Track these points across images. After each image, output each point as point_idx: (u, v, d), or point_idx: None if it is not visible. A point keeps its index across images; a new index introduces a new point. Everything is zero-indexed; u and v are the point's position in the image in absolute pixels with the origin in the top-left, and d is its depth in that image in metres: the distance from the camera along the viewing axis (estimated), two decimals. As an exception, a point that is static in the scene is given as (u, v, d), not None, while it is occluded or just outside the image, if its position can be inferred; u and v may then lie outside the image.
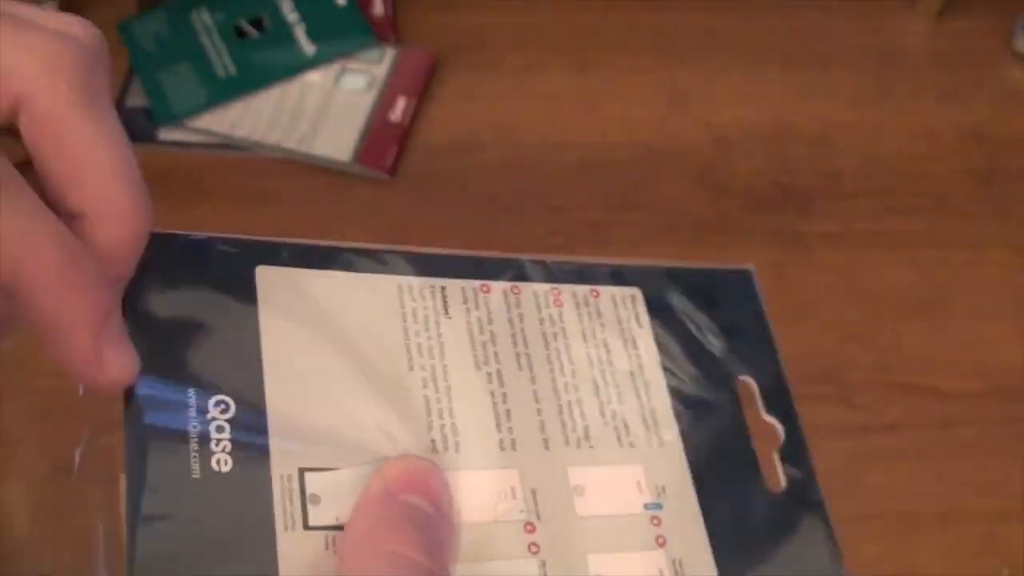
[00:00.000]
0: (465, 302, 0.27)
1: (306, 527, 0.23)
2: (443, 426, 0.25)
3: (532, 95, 0.67)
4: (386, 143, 0.63)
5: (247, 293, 0.25)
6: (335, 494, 0.23)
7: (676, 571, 0.25)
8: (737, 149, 0.65)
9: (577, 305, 0.28)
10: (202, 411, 0.24)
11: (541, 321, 0.27)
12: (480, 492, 0.25)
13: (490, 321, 0.27)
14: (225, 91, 0.65)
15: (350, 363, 0.25)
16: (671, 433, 0.27)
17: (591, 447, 0.26)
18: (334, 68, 0.66)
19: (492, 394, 0.26)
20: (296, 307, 0.26)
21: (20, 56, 0.22)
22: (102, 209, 0.23)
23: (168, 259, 0.25)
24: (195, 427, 0.24)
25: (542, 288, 0.28)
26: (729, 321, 0.29)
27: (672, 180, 0.64)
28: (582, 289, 0.28)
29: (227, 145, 0.63)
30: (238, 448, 0.23)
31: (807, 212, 0.63)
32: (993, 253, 0.61)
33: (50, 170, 0.22)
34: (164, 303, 0.24)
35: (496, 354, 0.27)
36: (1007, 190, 0.64)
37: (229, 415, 0.24)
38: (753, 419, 0.27)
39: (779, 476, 0.27)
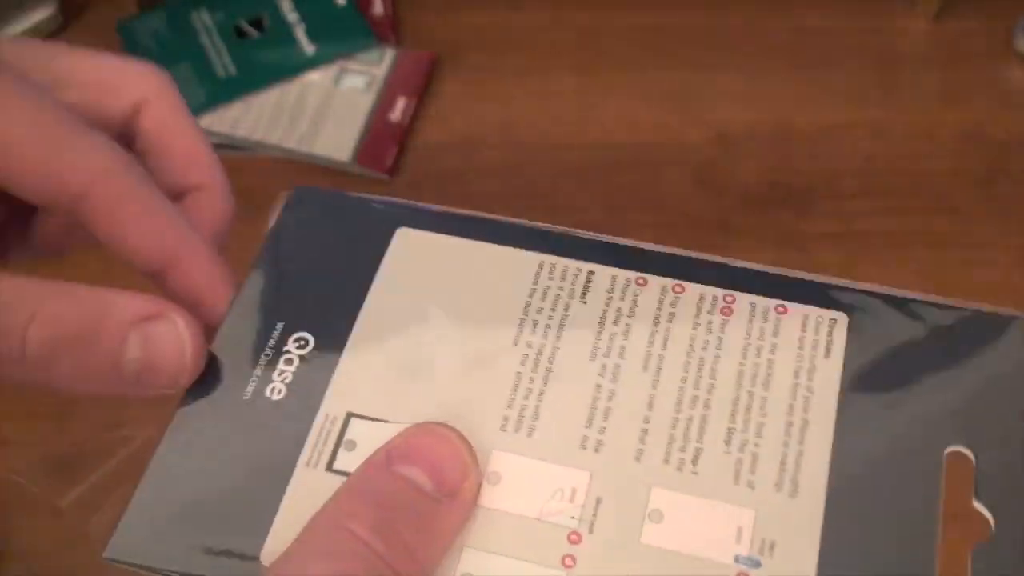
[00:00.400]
0: (610, 291, 0.25)
1: (328, 468, 0.23)
2: (524, 407, 0.23)
3: (532, 95, 0.67)
4: (386, 143, 0.63)
5: (378, 249, 0.26)
6: (373, 446, 0.23)
7: None
8: (737, 149, 0.65)
9: (751, 318, 0.24)
10: (281, 343, 0.25)
11: (696, 326, 0.24)
12: (536, 485, 0.22)
13: (632, 315, 0.24)
14: (225, 91, 0.65)
15: (451, 327, 0.25)
16: (814, 487, 0.22)
17: (695, 473, 0.22)
18: (334, 68, 0.66)
19: (598, 387, 0.24)
20: (421, 269, 0.26)
21: (140, 72, 0.30)
22: (210, 185, 0.29)
23: (319, 208, 0.27)
24: (267, 355, 0.25)
25: (712, 292, 0.25)
26: (962, 376, 0.23)
27: (672, 180, 0.64)
28: (766, 302, 0.25)
29: (227, 145, 0.63)
30: (298, 381, 0.24)
31: (807, 212, 0.63)
32: (993, 253, 0.61)
33: (164, 160, 0.29)
34: (297, 245, 0.26)
35: (623, 348, 0.24)
36: (1007, 190, 0.64)
37: (305, 351, 0.24)
38: (953, 503, 0.22)
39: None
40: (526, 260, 0.26)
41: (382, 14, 0.69)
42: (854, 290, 0.25)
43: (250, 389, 0.24)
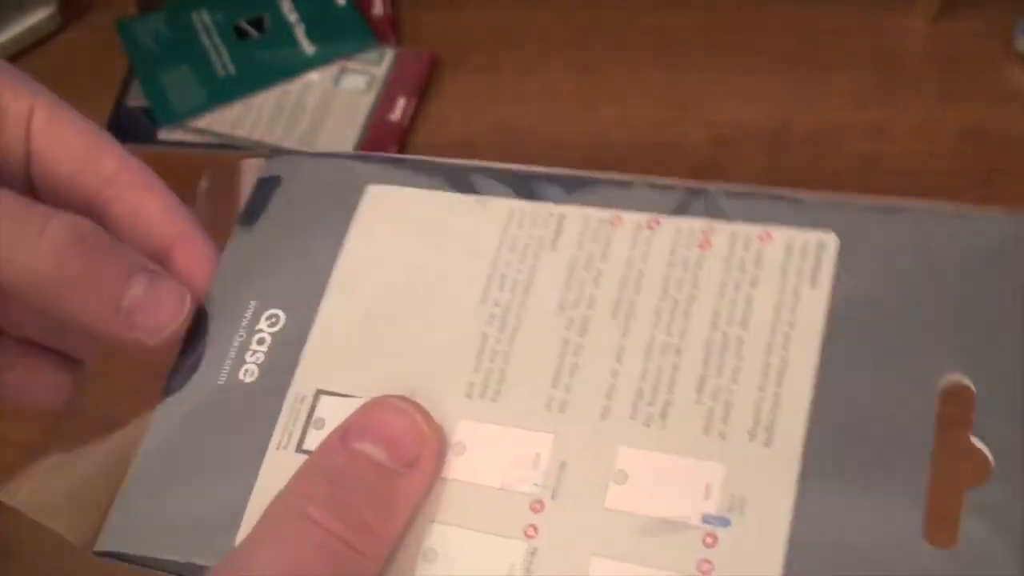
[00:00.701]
0: (582, 233, 0.23)
1: (299, 449, 0.23)
2: (490, 370, 0.22)
3: (532, 95, 0.67)
4: (386, 143, 0.63)
5: (347, 212, 0.25)
6: (340, 421, 0.22)
7: None
8: (737, 149, 0.65)
9: (731, 250, 0.22)
10: (254, 322, 0.24)
11: (671, 264, 0.22)
12: (500, 452, 0.21)
13: (604, 258, 0.23)
14: (225, 91, 0.65)
15: (419, 292, 0.23)
16: (791, 435, 0.20)
17: (663, 428, 0.20)
18: (334, 68, 0.66)
19: (565, 343, 0.22)
20: (390, 231, 0.25)
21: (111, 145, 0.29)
22: (191, 232, 0.28)
23: (288, 175, 0.26)
24: (240, 336, 0.24)
25: (690, 224, 0.23)
26: (964, 295, 0.20)
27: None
28: (748, 230, 0.22)
29: (227, 145, 0.63)
30: (270, 361, 0.24)
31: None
32: (993, 253, 0.61)
33: (136, 225, 0.28)
34: (267, 218, 0.25)
35: (592, 298, 0.22)
36: (1007, 190, 0.64)
37: (276, 328, 0.24)
38: (949, 439, 0.20)
39: (957, 529, 0.18)
40: (496, 209, 0.24)
41: (382, 14, 0.69)
42: (847, 206, 0.22)
43: (224, 374, 0.24)
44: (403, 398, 0.22)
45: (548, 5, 0.71)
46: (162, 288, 0.25)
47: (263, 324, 0.24)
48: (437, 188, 0.25)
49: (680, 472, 0.20)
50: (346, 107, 0.64)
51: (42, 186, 0.28)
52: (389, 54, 0.67)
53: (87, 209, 0.28)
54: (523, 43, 0.69)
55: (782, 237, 0.22)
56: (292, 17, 0.68)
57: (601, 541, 0.20)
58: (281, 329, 0.24)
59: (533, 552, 0.20)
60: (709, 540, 0.19)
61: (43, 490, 0.26)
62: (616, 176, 0.25)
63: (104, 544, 0.24)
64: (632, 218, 0.23)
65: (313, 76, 0.66)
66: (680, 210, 0.23)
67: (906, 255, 0.20)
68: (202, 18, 0.68)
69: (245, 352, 0.24)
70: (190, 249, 0.27)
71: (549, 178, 0.25)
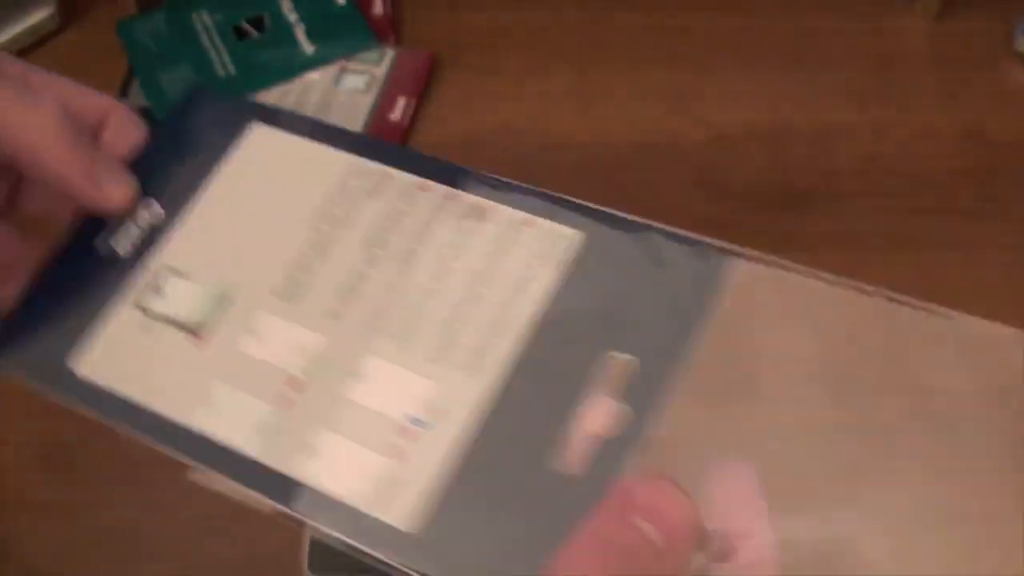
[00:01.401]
0: (397, 191, 0.30)
1: (139, 307, 0.30)
2: (295, 278, 0.29)
3: (532, 95, 0.67)
4: (386, 143, 0.63)
5: (234, 140, 0.32)
6: (178, 295, 0.29)
7: (387, 488, 0.25)
8: (737, 149, 0.65)
9: (500, 226, 0.29)
10: (142, 210, 0.31)
11: (453, 228, 0.29)
12: (281, 340, 0.28)
13: (407, 214, 0.30)
14: (225, 91, 0.65)
15: (266, 208, 0.30)
16: (492, 374, 0.26)
17: (403, 349, 0.27)
18: (334, 68, 0.66)
19: (356, 272, 0.29)
20: (262, 161, 0.31)
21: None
22: (116, 109, 0.33)
23: (204, 105, 0.33)
24: (128, 218, 0.31)
25: (478, 201, 0.30)
26: (647, 295, 0.27)
27: (672, 180, 0.64)
28: (520, 216, 0.29)
29: (227, 145, 0.63)
30: (142, 241, 0.31)
31: (807, 212, 0.63)
32: (993, 253, 0.61)
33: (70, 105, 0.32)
34: (175, 136, 0.32)
35: (387, 241, 0.29)
36: (1007, 190, 0.64)
37: (154, 218, 0.31)
38: (600, 406, 0.26)
39: (582, 458, 0.25)
40: (341, 160, 0.31)
41: (382, 14, 0.69)
42: (597, 211, 0.29)
43: (108, 244, 0.31)
44: (665, 477, 0.25)
45: (548, 5, 0.71)
46: (127, 119, 0.33)
47: (144, 212, 0.31)
48: (305, 137, 0.32)
49: (405, 382, 0.27)
50: (346, 107, 0.64)
51: None
52: (389, 54, 0.67)
53: None
54: (523, 43, 0.69)
55: (543, 225, 0.29)
56: (292, 17, 0.68)
57: (333, 418, 0.27)
58: (157, 219, 0.31)
59: (280, 416, 0.27)
60: (409, 434, 0.26)
61: None
62: (438, 157, 0.31)
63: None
64: (438, 188, 0.30)
65: (313, 76, 0.66)
66: (474, 190, 0.30)
67: (617, 259, 0.28)
68: (202, 18, 0.68)
69: (127, 231, 0.31)
70: (120, 113, 0.33)
71: (388, 148, 0.31)
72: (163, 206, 0.31)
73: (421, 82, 0.66)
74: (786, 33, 0.70)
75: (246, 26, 0.67)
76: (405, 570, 0.25)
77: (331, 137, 0.31)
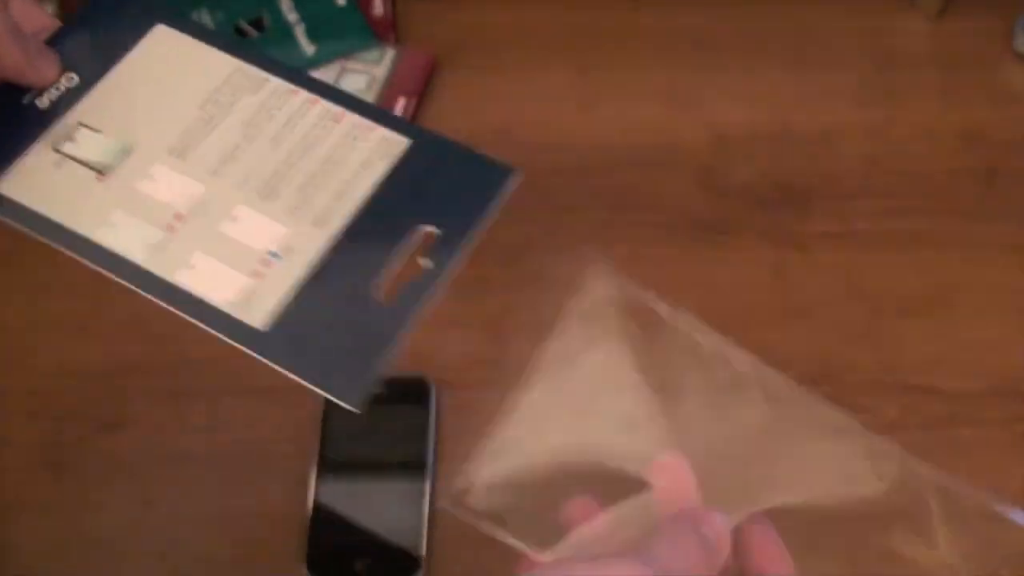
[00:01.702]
0: (273, 92, 0.38)
1: (56, 150, 0.36)
2: (188, 141, 0.36)
3: (532, 95, 0.67)
4: (386, 143, 0.63)
5: (143, 31, 0.39)
6: (84, 143, 0.36)
7: (247, 298, 0.33)
8: (737, 149, 0.65)
9: (350, 127, 0.37)
10: (62, 78, 0.38)
11: (315, 126, 0.37)
12: (172, 185, 0.35)
13: (278, 109, 0.37)
14: None
15: (170, 88, 0.38)
16: (334, 228, 0.35)
17: (269, 202, 0.35)
18: (334, 68, 0.66)
19: (234, 143, 0.36)
20: (165, 51, 0.39)
21: None
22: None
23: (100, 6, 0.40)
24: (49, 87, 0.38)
25: (334, 109, 0.37)
26: (455, 190, 0.36)
27: (672, 180, 0.64)
28: (366, 122, 0.37)
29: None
30: (59, 101, 0.37)
31: (807, 212, 0.63)
32: (993, 253, 0.61)
33: None
34: (92, 20, 0.39)
35: (261, 126, 0.37)
36: (1007, 190, 0.64)
37: (71, 84, 0.37)
38: (411, 261, 0.34)
39: (394, 296, 0.34)
40: (231, 64, 0.38)
41: (382, 14, 0.69)
42: (422, 128, 0.37)
43: (32, 101, 0.37)
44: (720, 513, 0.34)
45: (548, 5, 0.71)
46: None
47: (65, 80, 0.37)
48: (203, 41, 0.39)
49: (267, 226, 0.35)
50: (346, 107, 0.64)
51: None
52: (389, 54, 0.67)
53: None
54: (523, 43, 0.69)
55: (381, 131, 0.37)
56: (292, 17, 0.68)
57: (209, 245, 0.34)
58: (74, 85, 0.37)
59: (167, 239, 0.34)
60: (266, 263, 0.34)
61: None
62: (310, 75, 0.39)
63: None
64: (305, 94, 0.38)
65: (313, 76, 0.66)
66: (334, 100, 0.38)
67: (431, 161, 0.37)
68: (202, 18, 0.68)
69: (47, 91, 0.37)
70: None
71: (271, 61, 0.38)
72: (79, 77, 0.38)
73: (421, 82, 0.66)
74: (787, 33, 0.70)
75: (246, 26, 0.67)
76: (257, 357, 0.33)
77: (226, 45, 0.39)
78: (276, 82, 0.38)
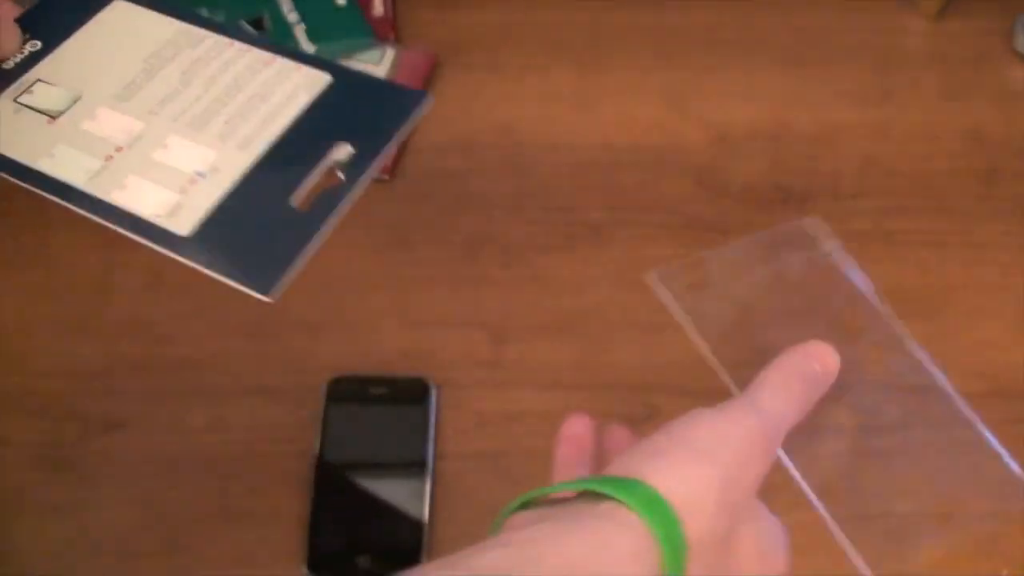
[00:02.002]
0: (211, 46, 0.42)
1: (14, 100, 0.40)
2: (132, 86, 0.41)
3: (532, 95, 0.67)
4: (386, 143, 0.63)
5: (96, 8, 0.43)
6: (40, 95, 0.41)
7: (174, 211, 0.37)
8: (737, 149, 0.65)
9: (279, 70, 0.41)
10: (27, 49, 0.42)
11: (247, 67, 0.41)
12: (115, 122, 0.40)
13: (215, 58, 0.42)
14: None
15: (124, 48, 0.42)
16: (255, 152, 0.38)
17: (198, 131, 0.39)
18: (334, 68, 0.66)
19: (175, 89, 0.40)
20: (120, 23, 0.43)
21: None
22: None
23: None
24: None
25: (262, 54, 0.42)
26: (369, 114, 0.40)
27: (672, 180, 0.64)
28: (292, 64, 0.41)
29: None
30: (24, 61, 0.41)
31: (807, 212, 0.63)
32: (993, 253, 0.61)
33: None
34: (51, 7, 0.44)
35: (198, 71, 0.41)
36: (1007, 190, 0.64)
37: (36, 49, 0.42)
38: (329, 180, 0.37)
39: (310, 204, 0.37)
40: (174, 26, 0.43)
41: (382, 14, 0.69)
42: (344, 66, 0.41)
43: None
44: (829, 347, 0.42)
45: (548, 5, 0.71)
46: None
47: (28, 46, 0.42)
48: (156, 12, 0.43)
49: (195, 151, 0.38)
50: (346, 107, 0.64)
51: None
52: (389, 54, 0.67)
53: None
54: (523, 43, 0.69)
55: (305, 70, 0.41)
56: (292, 17, 0.68)
57: (142, 169, 0.38)
58: (37, 50, 0.42)
59: (104, 167, 0.38)
60: (192, 181, 0.37)
61: None
62: (247, 28, 0.43)
63: None
64: (239, 45, 0.42)
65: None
66: (264, 48, 0.42)
67: (350, 91, 0.41)
68: (202, 18, 0.68)
69: (13, 56, 0.42)
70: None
71: (215, 23, 0.43)
72: (42, 43, 0.42)
73: (421, 82, 0.66)
74: (786, 33, 0.70)
75: (246, 26, 0.67)
76: (181, 259, 0.36)
77: (177, 14, 0.43)
78: (216, 38, 0.42)
